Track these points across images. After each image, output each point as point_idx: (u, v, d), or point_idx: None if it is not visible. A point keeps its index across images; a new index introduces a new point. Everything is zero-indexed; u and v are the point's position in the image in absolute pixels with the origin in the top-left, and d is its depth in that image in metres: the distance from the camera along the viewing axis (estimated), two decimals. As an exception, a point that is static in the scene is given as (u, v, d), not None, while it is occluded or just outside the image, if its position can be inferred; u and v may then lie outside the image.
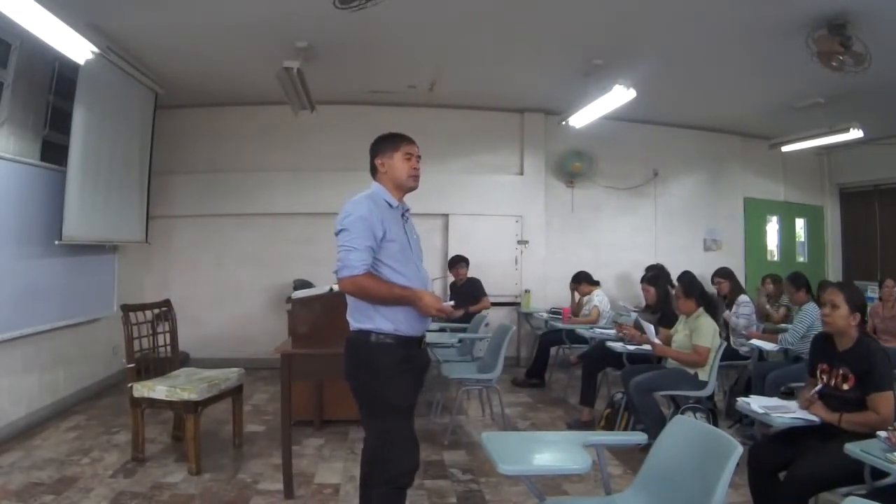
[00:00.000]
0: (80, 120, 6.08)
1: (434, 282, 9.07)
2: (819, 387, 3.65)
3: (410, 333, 3.18)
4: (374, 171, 3.44)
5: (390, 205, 3.30)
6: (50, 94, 6.16)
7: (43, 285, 6.03)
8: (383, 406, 3.14)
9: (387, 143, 3.41)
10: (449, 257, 8.62)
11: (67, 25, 4.84)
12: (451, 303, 3.34)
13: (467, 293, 8.14)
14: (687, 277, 6.45)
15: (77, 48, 5.29)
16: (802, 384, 4.29)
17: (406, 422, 3.19)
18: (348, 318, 3.25)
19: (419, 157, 3.49)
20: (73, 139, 6.03)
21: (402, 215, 3.39)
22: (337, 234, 3.14)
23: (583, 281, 8.06)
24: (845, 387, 3.44)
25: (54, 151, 6.17)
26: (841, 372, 3.48)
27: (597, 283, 8.06)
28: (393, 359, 3.12)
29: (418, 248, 3.45)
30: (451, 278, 8.60)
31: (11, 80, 5.58)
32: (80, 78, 6.01)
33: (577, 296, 8.29)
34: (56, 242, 5.95)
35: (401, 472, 3.11)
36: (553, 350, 8.08)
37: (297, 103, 7.09)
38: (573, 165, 9.49)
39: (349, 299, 3.22)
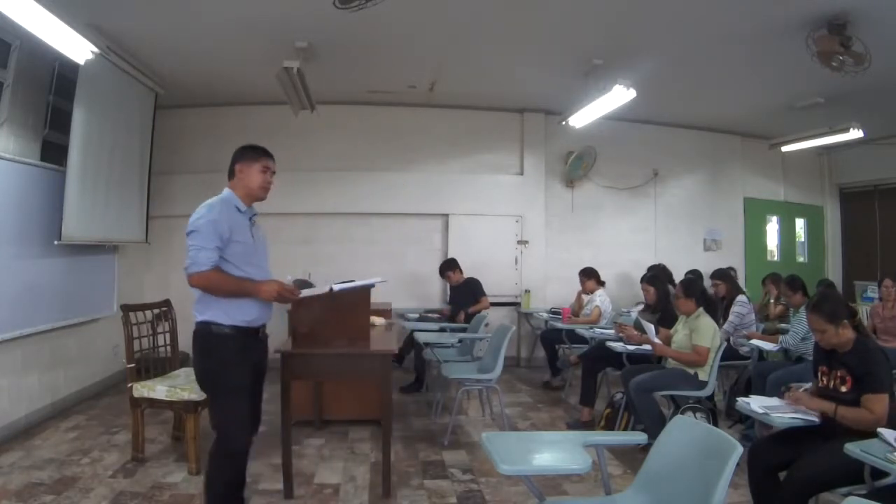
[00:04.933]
0: (79, 120, 6.09)
1: (434, 283, 9.09)
2: (809, 385, 3.69)
3: (247, 325, 3.59)
4: (231, 175, 3.77)
5: (239, 209, 3.67)
6: (50, 94, 6.16)
7: (43, 285, 6.03)
8: (222, 389, 3.56)
9: (249, 154, 3.77)
10: (448, 257, 8.59)
11: (67, 25, 4.85)
12: (290, 278, 3.89)
13: (466, 294, 8.14)
14: (688, 278, 6.45)
15: (77, 48, 5.29)
16: (804, 384, 4.30)
17: (242, 402, 3.55)
18: (193, 311, 3.60)
19: (274, 172, 3.84)
20: (72, 139, 6.03)
21: (250, 219, 3.74)
22: (188, 234, 3.49)
23: (592, 277, 8.04)
24: (843, 389, 3.45)
25: (54, 151, 6.17)
26: (839, 374, 3.49)
27: (602, 284, 8.04)
28: (230, 347, 3.53)
29: (264, 249, 3.85)
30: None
31: (11, 80, 5.58)
32: (80, 78, 6.02)
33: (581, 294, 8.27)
34: (56, 242, 5.95)
35: (236, 445, 3.57)
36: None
37: (298, 103, 7.09)
38: (583, 166, 9.50)
39: (195, 294, 3.56)
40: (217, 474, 3.61)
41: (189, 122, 8.96)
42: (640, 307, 8.36)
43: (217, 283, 3.46)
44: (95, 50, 5.47)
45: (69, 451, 5.23)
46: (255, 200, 3.80)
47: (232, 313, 3.54)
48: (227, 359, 3.53)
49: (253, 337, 3.68)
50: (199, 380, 3.67)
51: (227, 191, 3.72)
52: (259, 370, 3.77)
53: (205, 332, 3.56)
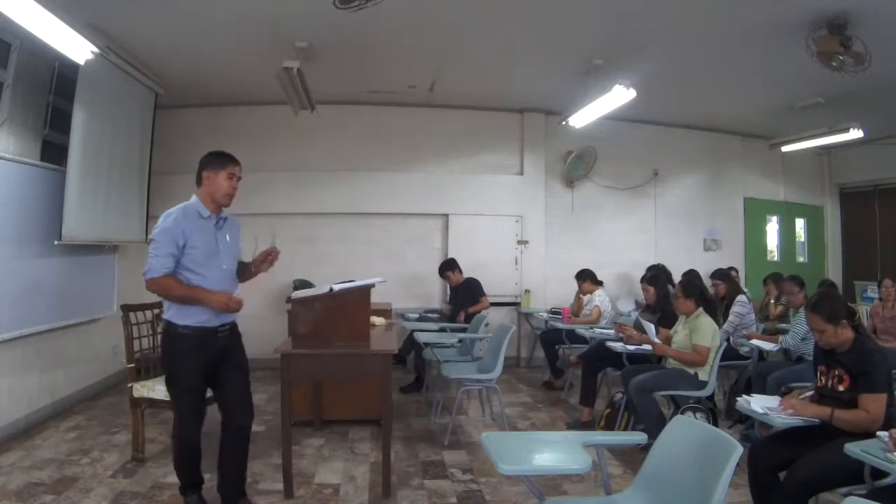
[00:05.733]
0: (80, 120, 6.09)
1: (434, 283, 9.08)
2: (810, 393, 3.68)
3: (204, 325, 3.80)
4: (199, 181, 3.94)
5: (202, 215, 3.85)
6: (50, 94, 6.16)
7: (43, 285, 6.03)
8: (173, 383, 3.90)
9: (216, 161, 3.95)
10: (448, 257, 8.59)
11: (67, 25, 4.84)
12: (239, 289, 4.13)
13: (466, 294, 8.14)
14: (688, 277, 6.45)
15: (77, 48, 5.29)
16: (804, 384, 4.30)
17: (189, 398, 3.86)
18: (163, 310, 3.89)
19: (240, 178, 4.03)
20: (72, 139, 6.03)
21: (217, 223, 3.93)
22: (149, 242, 3.76)
23: (587, 278, 8.04)
24: (840, 388, 3.46)
25: (54, 151, 6.17)
26: (837, 373, 3.49)
27: (600, 283, 8.04)
28: (187, 346, 3.78)
29: (229, 250, 4.02)
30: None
31: (11, 81, 5.59)
32: (80, 78, 6.02)
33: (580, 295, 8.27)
34: (56, 242, 5.96)
35: (188, 432, 3.86)
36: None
37: (298, 103, 7.08)
38: (582, 166, 9.51)
39: None
40: (176, 452, 4.02)
41: (189, 121, 8.94)
42: (630, 300, 8.40)
43: (168, 289, 3.72)
44: (95, 50, 5.46)
45: (69, 451, 5.23)
46: (221, 207, 3.97)
47: (185, 314, 3.78)
48: (180, 356, 3.81)
49: (210, 336, 3.86)
50: (162, 369, 4.05)
51: (193, 197, 3.92)
52: (229, 365, 3.98)
53: (166, 330, 3.87)
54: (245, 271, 4.19)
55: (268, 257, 4.12)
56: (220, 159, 3.95)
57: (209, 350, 3.86)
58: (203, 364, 3.84)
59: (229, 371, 3.96)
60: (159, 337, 4.02)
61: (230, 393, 3.96)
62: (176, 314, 3.78)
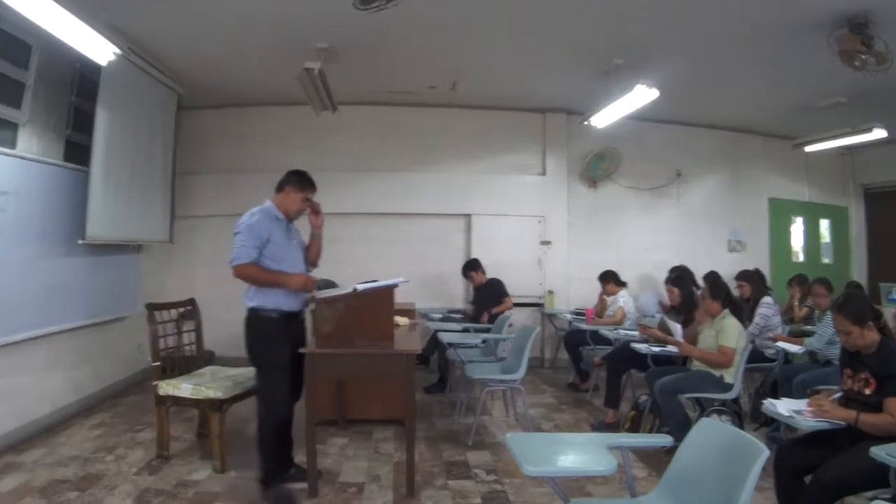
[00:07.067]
0: (102, 121, 6.13)
1: (456, 283, 9.07)
2: (837, 395, 3.63)
3: (288, 309, 4.31)
4: (279, 189, 4.48)
5: (277, 217, 4.39)
6: (72, 94, 6.22)
7: (67, 284, 6.08)
8: (268, 364, 4.25)
9: (299, 181, 4.47)
10: (470, 258, 8.57)
11: (89, 27, 4.88)
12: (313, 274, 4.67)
13: (489, 294, 8.11)
14: (712, 278, 6.40)
15: (98, 49, 5.32)
16: (830, 387, 4.26)
17: (283, 375, 4.23)
18: (244, 299, 4.31)
19: (310, 201, 4.54)
20: (95, 140, 6.07)
21: (287, 226, 4.47)
22: (235, 234, 4.24)
23: (610, 280, 8.00)
24: (867, 391, 3.41)
25: (77, 152, 6.23)
26: (863, 376, 3.45)
27: (623, 284, 8.00)
28: (275, 328, 4.25)
29: (298, 248, 4.57)
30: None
31: (33, 82, 5.63)
32: (103, 79, 6.06)
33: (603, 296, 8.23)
34: (79, 242, 6.00)
35: (279, 409, 4.24)
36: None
37: (319, 104, 7.09)
38: (603, 166, 9.46)
39: (244, 286, 4.29)
40: (265, 437, 4.26)
41: (211, 122, 9.01)
42: (653, 298, 8.33)
43: (253, 274, 4.19)
44: (117, 51, 5.50)
45: (94, 448, 5.26)
46: (288, 219, 4.49)
47: (272, 300, 4.24)
48: (270, 338, 4.24)
49: (292, 320, 4.39)
50: (249, 356, 4.33)
51: (269, 202, 4.43)
52: (298, 348, 4.34)
53: (253, 316, 4.28)
54: (310, 247, 4.70)
55: (313, 209, 4.59)
56: (302, 181, 4.46)
57: (291, 333, 4.36)
58: (289, 345, 4.29)
59: (296, 356, 4.32)
60: (248, 327, 4.30)
61: (294, 377, 4.34)
62: (263, 300, 4.24)
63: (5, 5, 4.23)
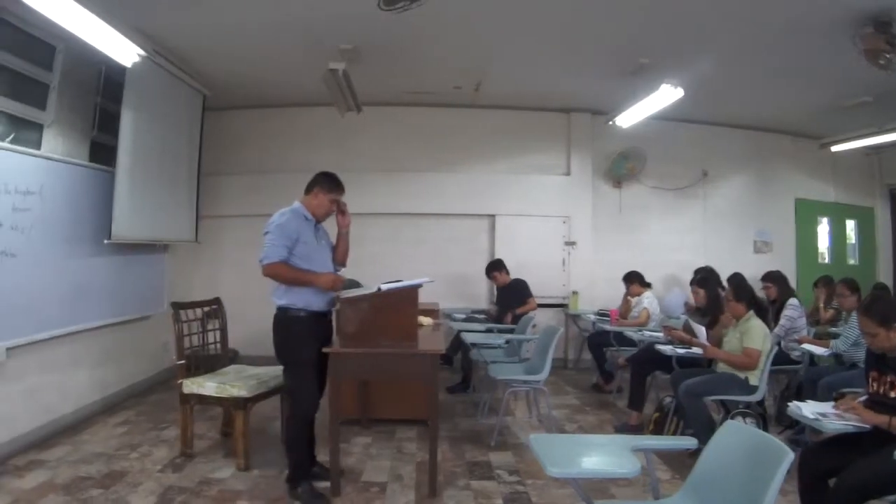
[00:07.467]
0: (127, 121, 6.19)
1: (480, 284, 9.06)
2: (863, 398, 3.59)
3: (316, 309, 4.37)
4: (308, 191, 4.52)
5: (306, 218, 4.44)
6: (97, 96, 6.28)
7: (93, 283, 6.14)
8: (295, 361, 4.33)
9: (328, 183, 4.50)
10: (494, 258, 8.54)
11: (113, 29, 4.92)
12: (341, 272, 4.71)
13: (513, 295, 8.08)
14: (736, 279, 6.34)
15: (123, 51, 5.39)
16: (855, 390, 4.20)
17: (310, 372, 4.31)
18: (272, 298, 4.38)
19: (340, 204, 4.61)
20: (121, 140, 6.13)
21: (316, 226, 4.52)
22: (264, 234, 4.30)
23: (635, 281, 7.94)
24: (893, 394, 3.36)
25: (103, 152, 6.29)
26: (889, 379, 3.40)
27: (648, 285, 7.94)
28: (303, 327, 4.32)
29: (326, 248, 4.61)
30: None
31: (57, 83, 5.68)
32: (128, 80, 6.11)
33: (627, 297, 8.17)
34: (105, 241, 6.05)
35: (307, 406, 4.32)
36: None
37: (344, 105, 7.11)
38: (627, 166, 9.41)
39: (273, 285, 4.34)
40: (294, 434, 4.39)
41: (237, 123, 9.08)
42: (678, 297, 8.25)
43: (282, 273, 4.23)
44: (142, 53, 5.56)
45: (118, 445, 5.31)
46: (317, 220, 4.53)
47: (301, 299, 4.30)
48: (299, 337, 4.31)
49: (321, 319, 4.45)
50: (277, 354, 4.41)
51: (298, 203, 4.49)
52: (325, 345, 4.38)
53: (282, 315, 4.35)
54: (338, 247, 4.72)
55: (341, 209, 4.63)
56: (331, 183, 4.49)
57: (319, 332, 4.43)
58: (317, 344, 4.34)
59: (320, 355, 4.36)
60: (277, 325, 4.38)
61: (319, 375, 4.41)
62: (293, 299, 4.30)
63: (29, 8, 4.28)
